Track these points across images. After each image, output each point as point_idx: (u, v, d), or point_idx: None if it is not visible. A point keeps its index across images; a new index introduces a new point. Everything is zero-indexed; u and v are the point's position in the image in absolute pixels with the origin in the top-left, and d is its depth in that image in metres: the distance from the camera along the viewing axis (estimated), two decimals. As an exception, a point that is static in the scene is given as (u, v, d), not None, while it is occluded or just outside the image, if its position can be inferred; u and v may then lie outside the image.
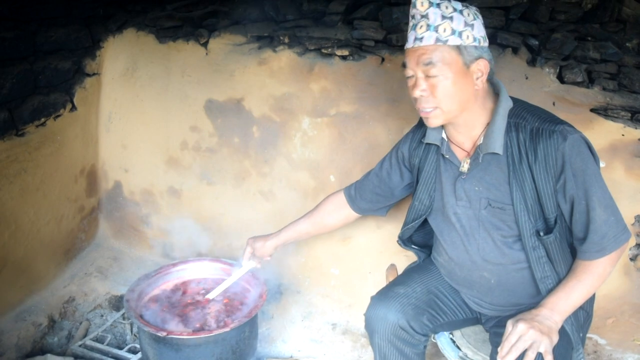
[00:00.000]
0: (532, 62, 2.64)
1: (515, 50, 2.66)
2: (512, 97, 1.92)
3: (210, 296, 2.62)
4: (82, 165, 3.40)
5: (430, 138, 2.05)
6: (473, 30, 1.79)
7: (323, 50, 2.97)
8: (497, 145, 1.84)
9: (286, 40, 3.03)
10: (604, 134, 2.51)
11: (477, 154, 1.92)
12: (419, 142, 2.16)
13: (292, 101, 3.06)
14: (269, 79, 3.09)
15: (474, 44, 1.79)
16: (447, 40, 1.77)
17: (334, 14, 2.94)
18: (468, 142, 1.96)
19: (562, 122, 1.81)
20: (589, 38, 2.59)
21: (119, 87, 3.44)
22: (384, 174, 2.31)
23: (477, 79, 1.83)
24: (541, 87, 2.60)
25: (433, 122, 1.88)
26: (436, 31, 1.76)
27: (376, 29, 2.86)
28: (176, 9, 3.25)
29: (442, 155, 2.03)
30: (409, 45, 1.83)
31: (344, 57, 2.92)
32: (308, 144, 3.07)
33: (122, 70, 3.42)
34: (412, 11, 1.83)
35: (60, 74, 3.09)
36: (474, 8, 1.84)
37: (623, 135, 2.51)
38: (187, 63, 3.27)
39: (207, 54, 3.22)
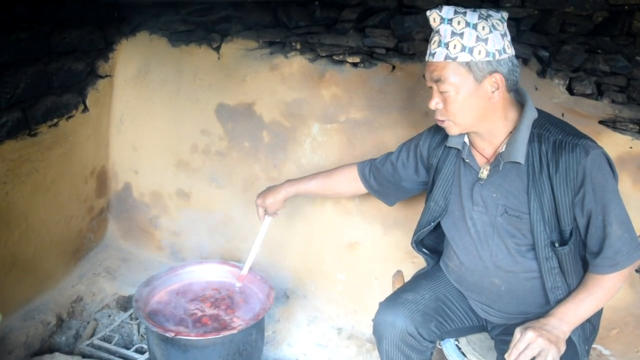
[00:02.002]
0: (542, 74, 2.66)
1: (525, 61, 2.67)
2: (537, 109, 1.93)
3: (244, 272, 2.68)
4: (93, 166, 3.43)
5: (453, 142, 2.06)
6: (487, 44, 1.76)
7: (334, 57, 2.99)
8: (520, 154, 1.85)
9: (298, 47, 3.06)
10: (612, 146, 2.51)
11: (497, 161, 1.92)
12: (439, 143, 2.16)
13: (303, 107, 3.08)
14: (280, 85, 3.11)
15: (487, 58, 1.77)
16: (456, 57, 1.77)
17: (346, 21, 2.96)
18: (490, 148, 1.97)
19: (586, 137, 1.82)
20: (599, 51, 2.61)
21: (131, 89, 3.47)
22: (399, 164, 2.32)
23: (493, 92, 1.82)
24: (550, 99, 2.62)
25: (450, 131, 1.92)
26: (446, 48, 1.78)
27: (387, 37, 2.88)
28: (189, 14, 3.29)
29: (462, 159, 2.04)
30: (426, 58, 1.87)
31: (355, 65, 2.95)
32: (317, 150, 3.09)
33: (135, 73, 3.45)
34: (432, 24, 1.84)
35: (74, 75, 3.12)
36: (499, 15, 1.83)
37: (631, 147, 2.52)
38: (199, 67, 3.30)
39: (219, 58, 3.25)
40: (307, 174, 3.07)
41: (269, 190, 2.55)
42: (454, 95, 1.81)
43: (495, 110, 1.87)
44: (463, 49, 1.76)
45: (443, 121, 1.89)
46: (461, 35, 1.76)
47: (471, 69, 1.79)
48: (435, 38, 1.81)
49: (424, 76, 1.91)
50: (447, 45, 1.78)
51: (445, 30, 1.78)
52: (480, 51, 1.77)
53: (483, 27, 1.77)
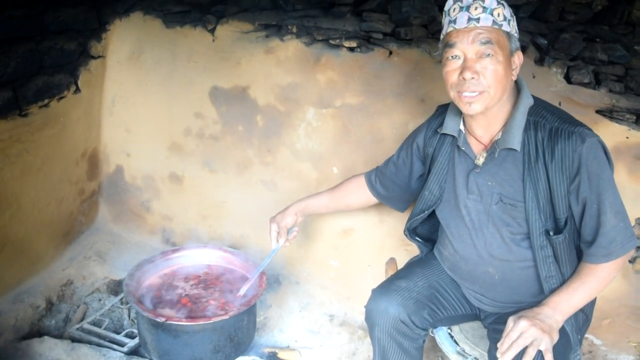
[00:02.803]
0: (540, 62, 2.64)
1: (523, 49, 2.62)
2: (533, 96, 1.92)
3: (241, 293, 2.58)
4: (84, 148, 3.39)
5: (448, 129, 2.03)
6: (514, 22, 1.82)
7: (331, 41, 2.96)
8: (516, 141, 1.84)
9: (294, 30, 3.02)
10: (608, 136, 2.50)
11: (493, 148, 1.91)
12: (434, 132, 2.14)
13: (298, 91, 3.05)
14: (275, 68, 3.08)
15: (516, 35, 1.82)
16: (501, 25, 1.77)
17: (343, 5, 2.94)
18: (486, 135, 1.95)
19: (582, 125, 1.81)
20: (598, 39, 2.59)
21: (124, 70, 3.42)
22: (401, 163, 2.30)
23: (513, 70, 1.84)
24: (548, 87, 2.60)
25: (475, 107, 1.82)
26: (492, 14, 1.76)
27: (385, 21, 2.85)
28: (184, -6, 3.25)
29: (458, 147, 2.02)
30: (462, 25, 1.78)
31: (351, 49, 2.91)
32: (312, 135, 3.06)
33: (128, 54, 3.40)
34: None
35: (66, 55, 3.07)
36: None
37: (627, 137, 2.51)
38: (193, 49, 3.26)
39: (214, 40, 3.20)
40: (301, 160, 3.08)
41: (283, 214, 2.48)
42: (496, 63, 1.77)
43: (507, 90, 1.85)
44: (505, 19, 1.78)
45: (474, 94, 1.79)
46: (503, 5, 1.78)
47: (510, 40, 1.80)
48: (477, 4, 1.76)
49: (446, 45, 1.83)
50: (492, 12, 1.76)
51: None
52: (513, 26, 1.82)
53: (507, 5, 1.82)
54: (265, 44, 3.08)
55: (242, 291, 2.57)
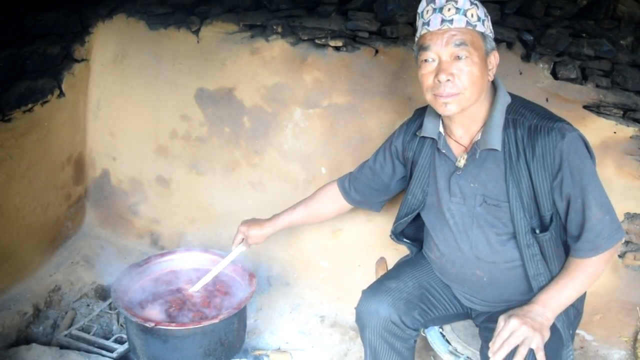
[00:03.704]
0: (526, 58, 2.64)
1: (509, 45, 2.65)
2: (509, 93, 1.91)
3: (195, 289, 2.61)
4: (70, 153, 3.35)
5: (427, 131, 2.02)
6: (489, 22, 1.82)
7: (316, 41, 2.94)
8: (496, 141, 1.83)
9: (279, 30, 3.00)
10: (596, 131, 2.51)
11: (474, 149, 1.90)
12: (413, 135, 2.13)
13: (284, 92, 3.03)
14: (261, 69, 3.06)
15: (491, 35, 1.82)
16: (475, 26, 1.76)
17: (328, 4, 2.92)
18: (466, 137, 1.94)
19: (561, 120, 1.81)
20: (584, 35, 2.59)
21: (108, 73, 3.39)
22: (378, 167, 2.29)
23: (490, 70, 1.83)
24: (535, 83, 2.60)
25: (451, 108, 1.80)
26: (465, 15, 1.74)
27: (370, 20, 2.84)
28: (168, -5, 3.22)
29: (438, 150, 2.01)
30: (435, 27, 1.77)
31: (337, 48, 2.90)
32: (299, 135, 3.05)
33: (112, 57, 3.37)
34: None
35: (49, 59, 3.04)
36: None
37: (615, 132, 2.52)
38: (178, 51, 3.23)
39: (198, 42, 3.18)
40: (289, 161, 3.06)
41: (255, 221, 2.52)
42: (471, 64, 1.76)
43: (484, 90, 1.85)
44: (479, 19, 1.77)
45: (454, 95, 1.78)
46: (476, 5, 1.78)
47: (485, 41, 1.80)
48: (450, 5, 1.75)
49: (420, 48, 1.83)
50: (465, 12, 1.75)
51: None
52: (487, 26, 1.81)
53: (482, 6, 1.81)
54: (250, 44, 3.06)
55: (195, 287, 2.59)
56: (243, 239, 2.51)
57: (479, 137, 1.88)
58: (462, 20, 1.74)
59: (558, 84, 2.58)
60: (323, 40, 2.92)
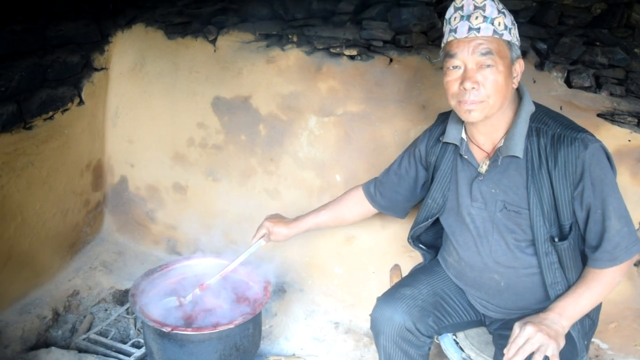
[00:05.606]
0: (540, 66, 2.64)
1: (523, 54, 2.63)
2: (534, 102, 1.92)
3: (212, 281, 2.60)
4: (89, 160, 3.41)
5: (450, 137, 2.03)
6: (516, 30, 1.83)
7: (331, 50, 2.97)
8: (518, 148, 1.84)
9: (295, 39, 3.04)
10: (610, 139, 2.50)
11: (496, 156, 1.91)
12: (436, 140, 2.14)
13: (300, 100, 3.06)
14: (277, 78, 3.09)
15: (517, 43, 1.83)
16: (502, 34, 1.77)
17: (343, 13, 2.94)
18: (489, 143, 1.96)
19: (584, 130, 1.82)
20: (598, 43, 2.59)
21: (127, 82, 3.45)
22: (403, 171, 2.29)
23: (514, 78, 1.84)
24: (548, 91, 2.60)
25: (475, 115, 1.82)
26: (492, 24, 1.76)
27: (385, 29, 2.86)
28: (186, 6, 3.27)
29: (460, 155, 2.02)
30: (462, 35, 1.79)
31: (352, 57, 2.93)
32: (314, 143, 3.07)
33: (130, 66, 3.43)
34: (462, 2, 1.80)
35: (69, 68, 3.10)
36: None
37: (629, 140, 2.51)
38: (195, 60, 3.28)
39: (215, 51, 3.22)
40: (304, 168, 3.08)
41: (281, 219, 2.51)
42: (496, 73, 1.77)
43: (508, 98, 1.86)
44: (506, 27, 1.78)
45: (478, 102, 1.80)
46: (504, 14, 1.79)
47: (511, 49, 1.81)
48: (477, 13, 1.77)
49: (446, 55, 1.84)
50: (492, 21, 1.76)
51: (492, 5, 1.77)
52: (514, 34, 1.82)
53: (509, 14, 1.83)
54: (266, 53, 3.10)
55: (213, 280, 2.59)
56: (265, 234, 2.51)
57: (502, 144, 1.89)
58: (489, 28, 1.76)
59: (572, 93, 2.58)
60: (338, 49, 2.95)
